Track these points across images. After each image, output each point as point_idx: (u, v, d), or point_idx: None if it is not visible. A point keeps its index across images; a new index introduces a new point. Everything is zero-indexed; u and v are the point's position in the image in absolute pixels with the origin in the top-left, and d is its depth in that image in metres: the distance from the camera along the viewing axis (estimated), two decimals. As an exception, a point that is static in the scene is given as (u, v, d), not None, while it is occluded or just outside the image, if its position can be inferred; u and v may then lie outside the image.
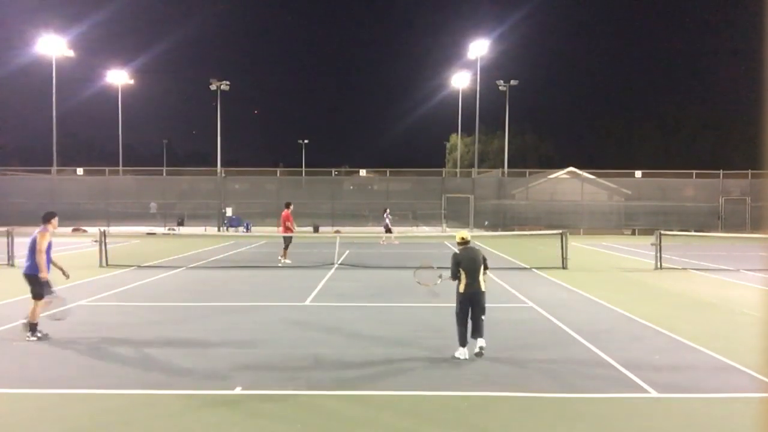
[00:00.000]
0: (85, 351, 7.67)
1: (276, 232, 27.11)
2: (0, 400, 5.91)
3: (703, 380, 6.59)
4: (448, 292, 8.10)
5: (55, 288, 8.59)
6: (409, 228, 33.94)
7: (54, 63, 38.13)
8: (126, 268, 16.28)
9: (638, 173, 36.68)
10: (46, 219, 8.95)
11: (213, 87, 42.53)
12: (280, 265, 17.23)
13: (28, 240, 8.79)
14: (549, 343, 8.19)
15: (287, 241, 18.01)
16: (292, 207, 18.34)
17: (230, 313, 10.22)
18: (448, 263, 7.60)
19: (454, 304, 7.50)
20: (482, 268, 7.48)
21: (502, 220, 34.38)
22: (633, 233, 33.07)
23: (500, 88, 44.94)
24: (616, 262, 19.05)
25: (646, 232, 30.17)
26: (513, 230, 32.08)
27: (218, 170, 38.86)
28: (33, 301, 8.29)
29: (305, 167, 70.40)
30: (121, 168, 45.66)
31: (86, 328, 9.01)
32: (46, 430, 5.18)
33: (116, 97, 49.26)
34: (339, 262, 18.05)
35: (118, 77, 48.80)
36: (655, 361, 7.31)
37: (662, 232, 17.43)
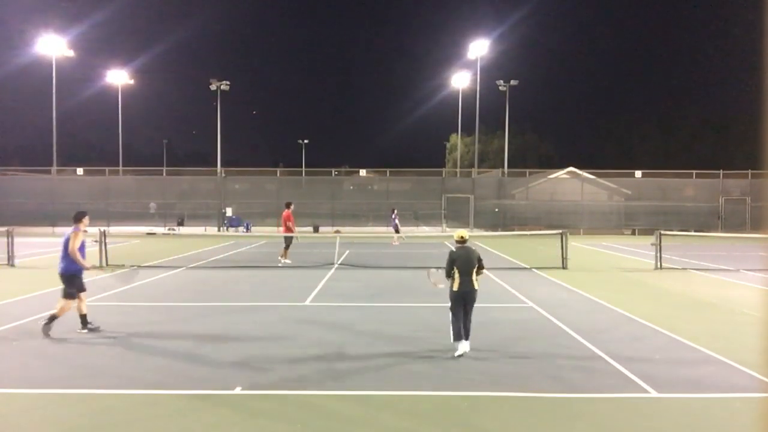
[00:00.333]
0: (85, 351, 7.67)
1: (276, 232, 27.13)
2: (0, 400, 5.91)
3: (703, 380, 6.59)
4: (447, 292, 8.09)
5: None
6: (410, 228, 33.94)
7: (54, 63, 38.12)
8: (126, 268, 16.27)
9: (638, 173, 36.70)
10: (78, 219, 9.00)
11: (213, 87, 42.53)
12: (280, 265, 17.24)
13: (61, 240, 9.00)
14: (549, 343, 8.19)
15: (288, 241, 18.01)
16: (293, 207, 18.34)
17: (230, 313, 10.22)
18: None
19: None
20: (476, 267, 7.61)
21: (502, 220, 34.38)
22: (633, 233, 33.08)
23: (500, 88, 44.94)
24: (616, 262, 19.05)
25: (646, 232, 30.18)
26: (513, 230, 32.09)
27: (218, 170, 38.87)
28: (64, 300, 8.52)
29: (305, 167, 70.43)
30: (121, 168, 45.66)
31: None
32: (46, 430, 5.18)
33: (116, 97, 49.29)
34: (339, 262, 18.05)
35: (118, 77, 48.79)
36: (655, 361, 7.31)
37: (662, 232, 17.43)
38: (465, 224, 34.67)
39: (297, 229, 18.96)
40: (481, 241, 26.47)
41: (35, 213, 34.21)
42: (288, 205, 18.25)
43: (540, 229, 28.52)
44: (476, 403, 5.81)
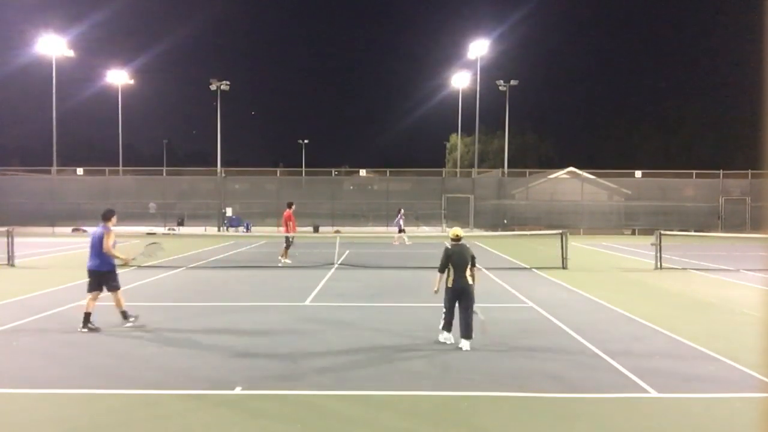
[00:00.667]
0: (85, 351, 7.67)
1: (276, 232, 27.12)
2: (0, 400, 5.91)
3: (703, 380, 6.59)
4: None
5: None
6: (410, 228, 33.92)
7: (54, 63, 38.14)
8: (126, 268, 16.26)
9: (638, 173, 36.71)
10: (107, 217, 9.14)
11: (213, 87, 42.55)
12: (280, 265, 17.24)
13: (89, 238, 9.22)
14: (549, 343, 8.19)
15: (288, 241, 18.03)
16: (294, 207, 18.34)
17: (230, 313, 10.22)
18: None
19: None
20: (470, 265, 7.91)
21: (503, 221, 34.38)
22: (633, 233, 33.09)
23: (500, 88, 44.96)
24: (616, 262, 19.05)
25: (646, 232, 30.19)
26: (513, 230, 32.09)
27: (218, 170, 38.88)
28: (113, 293, 8.90)
29: (305, 167, 70.44)
30: (121, 168, 45.69)
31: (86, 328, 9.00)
32: (46, 430, 5.18)
33: (116, 97, 49.34)
34: (339, 262, 18.06)
35: (118, 77, 48.83)
36: (655, 360, 7.31)
37: (662, 232, 17.44)
38: (465, 224, 34.68)
39: (297, 229, 18.98)
40: (481, 241, 26.47)
41: (35, 213, 34.22)
42: (289, 205, 18.27)
43: (540, 229, 28.53)
44: (476, 403, 5.82)
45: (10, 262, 16.67)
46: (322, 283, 13.60)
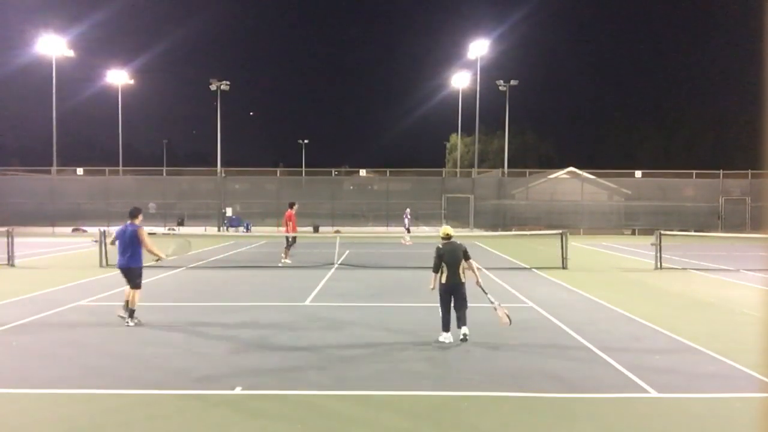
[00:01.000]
0: (85, 351, 7.67)
1: (276, 232, 27.11)
2: (0, 400, 5.91)
3: (703, 380, 6.59)
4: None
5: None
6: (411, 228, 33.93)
7: (54, 63, 38.14)
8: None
9: (638, 173, 36.72)
10: (135, 215, 9.40)
11: (213, 87, 42.52)
12: (280, 265, 17.24)
13: (116, 233, 9.40)
14: (548, 343, 8.19)
15: (289, 241, 18.03)
16: (295, 207, 18.32)
17: (230, 313, 10.22)
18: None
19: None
20: (462, 261, 8.12)
21: (502, 220, 34.38)
22: (633, 233, 33.09)
23: (500, 88, 44.96)
24: (616, 262, 19.05)
25: (646, 232, 30.20)
26: (511, 230, 32.09)
27: (218, 170, 38.87)
28: (133, 291, 9.09)
29: (305, 167, 70.44)
30: (121, 168, 45.66)
31: (86, 328, 9.01)
32: (46, 430, 5.18)
33: (116, 97, 49.32)
34: (339, 262, 18.05)
35: (118, 77, 48.82)
36: (655, 361, 7.31)
37: (662, 232, 17.43)
38: (465, 224, 34.70)
39: (297, 229, 18.96)
40: (481, 241, 26.47)
41: (35, 213, 34.23)
42: (290, 206, 18.28)
43: (540, 229, 28.52)
44: (476, 403, 5.81)
45: (10, 262, 16.67)
46: (322, 283, 13.60)
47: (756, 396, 6.07)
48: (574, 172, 36.77)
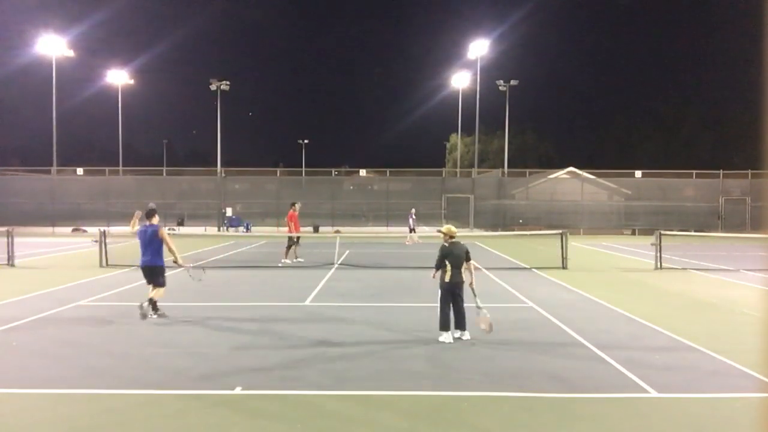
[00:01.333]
0: (85, 351, 7.67)
1: (276, 232, 27.10)
2: (0, 400, 5.91)
3: (703, 380, 6.59)
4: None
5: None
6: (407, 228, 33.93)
7: (54, 63, 38.13)
8: (126, 268, 16.29)
9: (638, 173, 36.71)
10: (152, 215, 9.72)
11: (213, 87, 42.51)
12: (280, 265, 17.25)
13: (138, 233, 9.77)
14: (549, 343, 8.19)
15: (291, 241, 18.04)
16: (296, 207, 18.31)
17: (230, 313, 10.22)
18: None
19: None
20: (465, 261, 8.19)
21: (502, 220, 34.38)
22: (633, 233, 33.08)
23: (500, 88, 44.95)
24: (616, 262, 19.05)
25: (646, 232, 30.19)
26: (513, 230, 32.09)
27: (218, 170, 38.86)
28: (157, 288, 9.59)
29: (305, 167, 70.43)
30: (121, 168, 45.64)
31: (86, 328, 9.01)
32: (46, 430, 5.18)
33: (116, 97, 49.27)
34: (339, 262, 18.05)
35: (118, 77, 48.79)
36: (655, 361, 7.31)
37: (662, 232, 17.43)
38: (465, 224, 34.68)
39: (300, 229, 18.96)
40: (481, 241, 26.48)
41: (35, 213, 34.23)
42: (292, 206, 18.30)
43: (540, 229, 28.52)
44: (476, 403, 5.81)
45: (10, 262, 16.67)
46: (322, 283, 13.60)
47: (756, 396, 6.07)
48: (574, 172, 36.77)
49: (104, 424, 5.27)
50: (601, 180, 36.24)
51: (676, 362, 7.29)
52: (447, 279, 8.13)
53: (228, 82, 42.88)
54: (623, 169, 39.19)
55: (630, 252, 22.22)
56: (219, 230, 34.14)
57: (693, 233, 27.71)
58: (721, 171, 35.00)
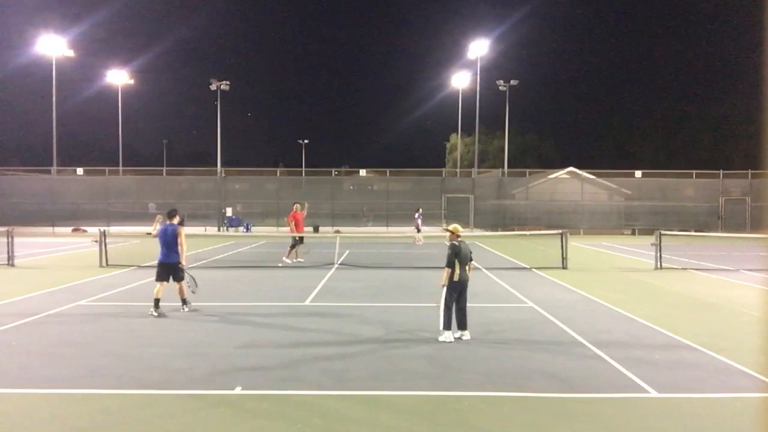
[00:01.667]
0: (85, 351, 7.67)
1: (276, 232, 27.10)
2: (0, 400, 5.91)
3: (703, 380, 6.59)
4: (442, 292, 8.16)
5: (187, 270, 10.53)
6: (410, 228, 33.94)
7: (54, 63, 38.12)
8: (126, 268, 16.29)
9: (638, 173, 36.71)
10: (173, 215, 10.31)
11: (213, 87, 42.48)
12: (280, 265, 17.25)
13: (158, 231, 10.22)
14: (549, 342, 8.19)
15: (295, 241, 18.06)
16: (298, 207, 18.32)
17: (230, 313, 10.22)
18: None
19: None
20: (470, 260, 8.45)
21: (502, 220, 34.38)
22: (633, 233, 33.08)
23: (500, 88, 44.92)
24: (616, 262, 19.05)
25: (646, 232, 30.19)
26: (513, 230, 32.09)
27: (218, 170, 38.85)
28: (179, 283, 10.24)
29: (305, 167, 70.45)
30: (121, 168, 45.65)
31: (86, 328, 9.02)
32: (46, 430, 5.18)
33: (116, 97, 49.27)
34: (339, 262, 18.05)
35: (118, 77, 48.79)
36: (655, 361, 7.31)
37: (662, 232, 17.43)
38: (465, 224, 34.67)
39: (303, 229, 18.98)
40: (481, 241, 26.48)
41: (35, 213, 34.22)
42: (295, 205, 18.35)
43: (540, 229, 28.52)
44: (476, 403, 5.81)
45: (10, 262, 16.67)
46: (322, 283, 13.60)
47: (756, 396, 6.07)
48: (574, 172, 36.76)
49: (104, 424, 5.27)
50: (601, 180, 36.24)
51: (676, 362, 7.29)
52: (455, 278, 8.19)
53: (228, 82, 42.86)
54: (623, 169, 39.19)
55: (630, 252, 22.22)
56: (219, 230, 34.13)
57: (693, 233, 27.72)
58: (721, 171, 35.00)
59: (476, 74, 44.23)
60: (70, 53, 40.63)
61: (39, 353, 7.56)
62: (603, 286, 13.42)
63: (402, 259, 19.24)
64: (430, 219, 36.05)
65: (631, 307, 10.74)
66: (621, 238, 30.98)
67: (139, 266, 16.56)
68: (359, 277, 14.98)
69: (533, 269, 16.52)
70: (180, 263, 10.18)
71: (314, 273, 15.49)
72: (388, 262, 18.14)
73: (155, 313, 9.86)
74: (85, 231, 32.91)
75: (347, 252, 20.98)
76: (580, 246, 24.05)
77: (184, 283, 10.27)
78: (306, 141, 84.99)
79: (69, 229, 33.59)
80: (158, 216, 10.77)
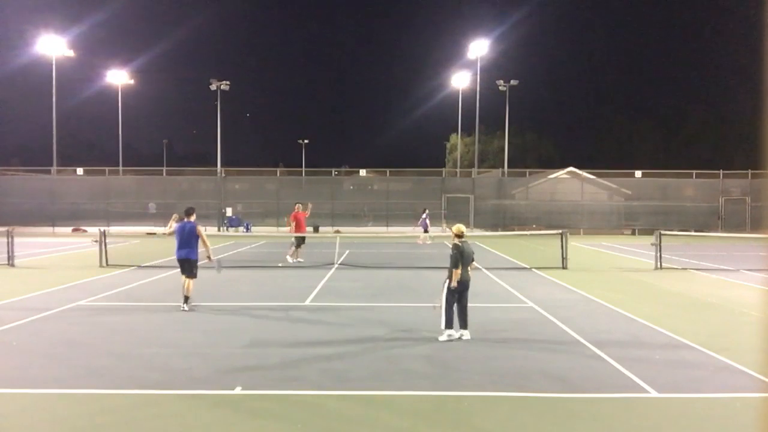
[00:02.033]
0: (85, 351, 7.67)
1: (276, 232, 27.08)
2: (0, 400, 5.91)
3: (703, 380, 6.59)
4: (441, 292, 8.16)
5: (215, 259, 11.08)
6: (408, 228, 33.93)
7: (54, 63, 38.11)
8: (126, 268, 16.29)
9: (638, 173, 36.70)
10: (191, 213, 10.81)
11: (213, 87, 42.49)
12: (280, 265, 17.24)
13: (176, 228, 10.73)
14: (548, 342, 8.19)
15: (298, 240, 18.07)
16: (298, 207, 18.32)
17: (230, 313, 10.22)
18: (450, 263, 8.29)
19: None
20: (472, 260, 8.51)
21: (502, 220, 34.37)
22: (633, 233, 33.06)
23: (500, 88, 44.94)
24: (616, 262, 19.05)
25: (646, 232, 30.18)
26: (513, 230, 32.08)
27: (218, 170, 38.85)
28: (189, 279, 10.48)
29: (305, 167, 70.46)
30: (121, 168, 45.64)
31: (86, 328, 9.02)
32: (46, 430, 5.18)
33: (116, 97, 49.27)
34: (339, 262, 18.05)
35: (118, 77, 48.79)
36: (655, 361, 7.31)
37: (662, 232, 17.42)
38: (465, 224, 34.64)
39: (305, 229, 18.98)
40: (481, 241, 26.48)
41: (35, 213, 34.21)
42: (295, 206, 18.36)
43: (540, 229, 28.52)
44: (476, 403, 5.81)
45: (10, 262, 16.66)
46: (322, 283, 13.60)
47: (756, 396, 6.07)
48: (574, 172, 36.76)
49: (104, 424, 5.27)
50: (601, 180, 36.23)
51: (676, 362, 7.29)
52: (458, 278, 8.22)
53: (228, 82, 42.86)
54: (623, 169, 39.18)
55: (630, 252, 22.21)
56: (219, 230, 34.12)
57: (693, 233, 27.71)
58: (721, 171, 34.98)
59: (476, 74, 44.28)
60: (70, 53, 40.63)
61: (39, 353, 7.56)
62: (603, 286, 13.42)
63: (402, 259, 19.23)
64: (430, 219, 36.06)
65: (631, 307, 10.74)
66: (621, 238, 30.97)
67: (139, 266, 16.56)
68: (359, 277, 14.98)
69: (533, 269, 16.52)
70: (209, 258, 10.70)
71: (314, 273, 15.49)
72: (388, 262, 18.14)
73: (186, 308, 10.28)
74: (85, 231, 32.90)
75: (347, 252, 20.98)
76: (580, 246, 24.05)
77: (191, 282, 10.52)
78: (306, 141, 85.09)
79: (69, 229, 33.58)
80: (175, 215, 11.19)
